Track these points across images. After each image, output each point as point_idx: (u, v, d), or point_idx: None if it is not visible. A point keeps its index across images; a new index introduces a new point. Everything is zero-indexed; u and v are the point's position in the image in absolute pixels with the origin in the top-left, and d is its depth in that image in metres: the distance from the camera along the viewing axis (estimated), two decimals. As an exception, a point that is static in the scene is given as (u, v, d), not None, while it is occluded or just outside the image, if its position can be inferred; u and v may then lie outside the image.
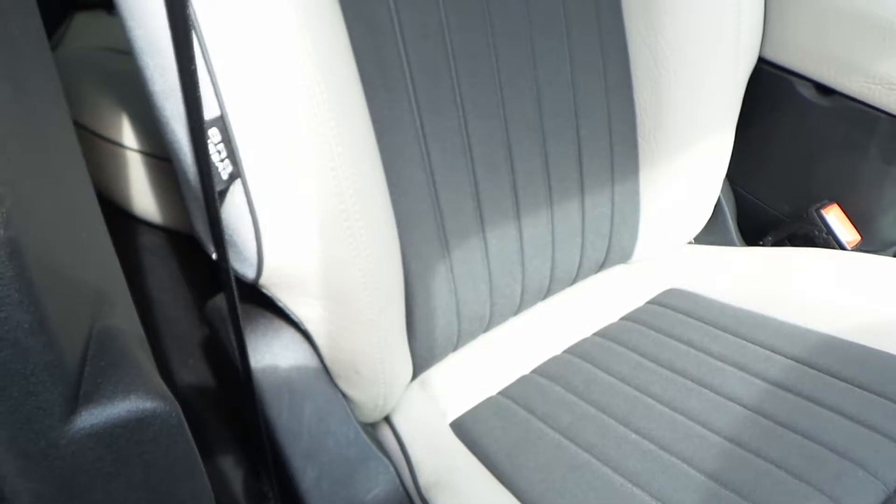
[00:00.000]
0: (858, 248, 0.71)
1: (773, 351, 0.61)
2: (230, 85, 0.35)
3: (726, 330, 0.65)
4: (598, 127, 0.66)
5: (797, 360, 0.60)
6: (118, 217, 0.81)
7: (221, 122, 0.35)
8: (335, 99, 0.40)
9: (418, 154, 0.53)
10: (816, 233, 0.71)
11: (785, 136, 0.74)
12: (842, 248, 0.71)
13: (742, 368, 0.60)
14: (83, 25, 1.03)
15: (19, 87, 0.30)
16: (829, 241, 0.71)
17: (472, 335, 0.64)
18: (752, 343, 0.63)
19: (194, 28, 0.34)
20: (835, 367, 0.58)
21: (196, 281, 0.83)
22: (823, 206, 0.71)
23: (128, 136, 0.76)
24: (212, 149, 0.35)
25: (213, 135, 0.35)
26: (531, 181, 0.62)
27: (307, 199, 0.39)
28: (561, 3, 0.61)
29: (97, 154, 0.77)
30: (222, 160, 0.35)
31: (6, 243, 0.23)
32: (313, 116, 0.38)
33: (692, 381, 0.59)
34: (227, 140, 0.35)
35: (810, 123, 0.71)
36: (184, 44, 0.31)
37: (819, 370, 0.58)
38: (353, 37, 0.47)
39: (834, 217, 0.70)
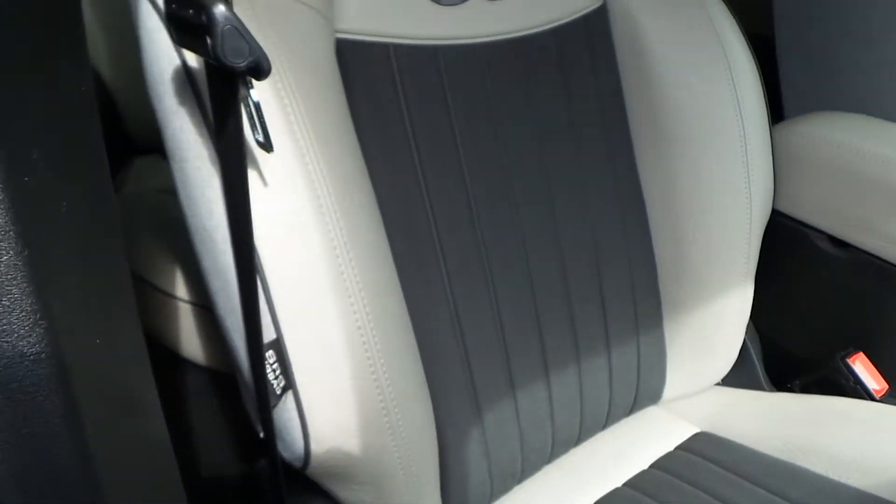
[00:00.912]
0: (887, 395, 0.72)
1: (806, 509, 0.61)
2: (287, 312, 0.40)
3: (758, 483, 0.65)
4: (620, 282, 0.70)
5: (831, 521, 0.59)
6: (166, 356, 0.86)
7: (277, 345, 0.39)
8: (378, 310, 0.44)
9: (451, 330, 0.56)
10: (843, 381, 0.72)
11: (805, 285, 0.76)
12: (870, 396, 0.72)
13: (776, 529, 0.60)
14: (144, 169, 1.12)
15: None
16: (857, 389, 0.72)
17: (505, 490, 0.65)
18: (785, 500, 0.63)
19: (258, 268, 0.39)
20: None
21: (238, 418, 0.86)
22: (849, 354, 0.72)
23: (180, 287, 0.82)
24: (268, 368, 0.39)
25: (270, 356, 0.39)
26: (558, 340, 0.65)
27: (352, 402, 0.43)
28: (579, 171, 0.66)
29: (150, 302, 0.83)
30: (276, 377, 0.39)
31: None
32: (358, 331, 0.43)
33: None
34: (282, 360, 0.40)
35: (828, 274, 0.74)
36: (247, 276, 0.35)
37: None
38: (389, 230, 0.53)
39: (860, 366, 0.71)
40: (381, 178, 0.54)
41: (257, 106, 0.37)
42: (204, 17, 0.33)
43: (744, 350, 0.82)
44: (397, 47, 0.54)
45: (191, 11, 0.34)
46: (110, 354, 0.34)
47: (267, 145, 0.38)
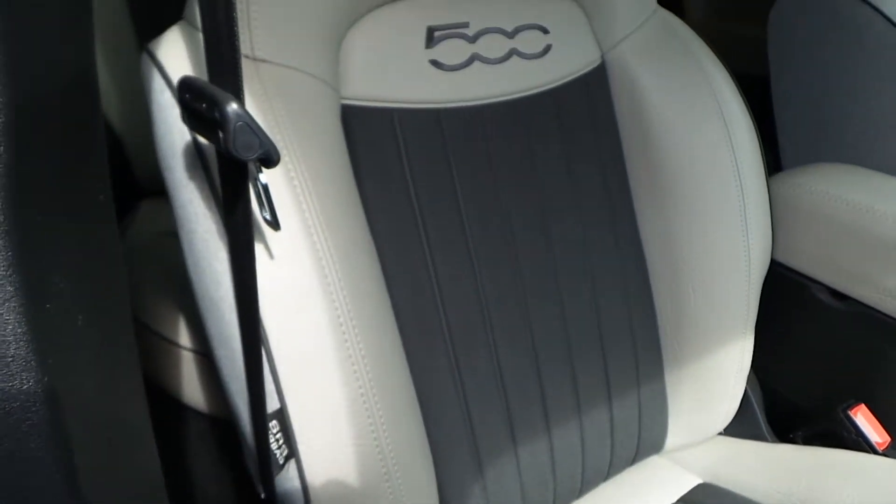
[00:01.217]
0: (889, 448, 0.72)
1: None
2: (291, 383, 0.41)
3: (761, 539, 0.65)
4: (620, 334, 0.70)
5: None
6: (167, 402, 0.86)
7: (281, 415, 0.40)
8: (381, 377, 0.45)
9: (453, 392, 0.57)
10: (845, 434, 0.72)
11: (806, 336, 0.77)
12: (872, 449, 0.71)
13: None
14: (149, 212, 1.13)
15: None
16: (859, 442, 0.72)
17: None
18: (789, 557, 0.63)
19: (263, 340, 0.40)
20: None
21: (238, 466, 0.86)
22: (850, 406, 0.72)
23: (183, 335, 0.83)
24: (271, 437, 0.39)
25: (273, 426, 0.39)
26: (560, 393, 0.65)
27: (354, 469, 0.43)
28: (580, 227, 0.67)
29: (152, 348, 0.83)
30: (279, 447, 0.40)
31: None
32: (361, 398, 0.43)
33: None
34: (285, 429, 0.40)
35: (829, 325, 0.74)
36: (252, 347, 0.36)
37: None
38: (392, 291, 0.53)
39: (862, 418, 0.71)
40: (384, 239, 0.55)
41: (265, 188, 0.38)
42: (217, 114, 0.34)
43: (745, 400, 0.82)
44: (401, 112, 0.56)
45: (204, 105, 0.35)
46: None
47: (274, 224, 0.39)
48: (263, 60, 0.47)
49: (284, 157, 0.45)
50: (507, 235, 0.62)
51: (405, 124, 0.56)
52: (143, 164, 1.15)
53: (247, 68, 0.47)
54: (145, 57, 0.50)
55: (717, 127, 0.70)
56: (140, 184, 1.15)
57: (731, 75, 0.74)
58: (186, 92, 0.37)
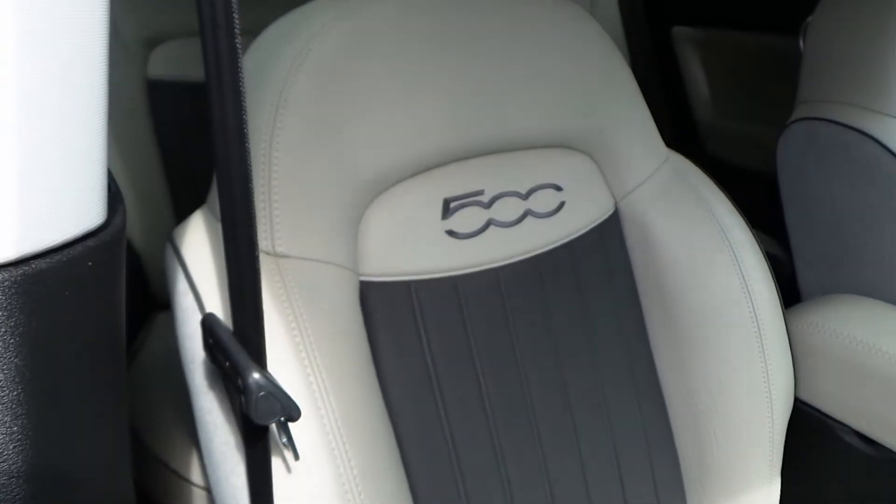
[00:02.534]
0: None
1: None
2: None
3: None
4: (642, 481, 0.69)
5: None
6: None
7: None
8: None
9: None
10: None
11: (834, 481, 0.74)
12: None
13: None
14: (164, 326, 1.14)
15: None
16: None
17: None
18: None
19: None
20: None
21: None
22: (886, 558, 0.69)
23: (195, 472, 0.81)
24: None
25: None
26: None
27: None
28: (597, 376, 0.66)
29: (165, 483, 0.82)
30: None
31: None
32: None
33: None
34: None
35: (858, 471, 0.72)
36: None
37: None
38: (410, 469, 0.52)
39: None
40: (400, 406, 0.54)
41: (285, 426, 0.38)
42: (239, 381, 0.35)
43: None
44: (417, 283, 0.56)
45: (227, 363, 0.36)
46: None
47: (294, 454, 0.39)
48: (284, 256, 0.48)
49: (304, 359, 0.45)
50: (525, 397, 0.61)
51: (422, 294, 0.56)
52: (159, 277, 1.17)
53: (268, 265, 0.48)
54: (168, 247, 0.51)
55: (731, 271, 0.70)
56: (155, 297, 1.16)
57: (741, 215, 0.74)
58: (210, 336, 0.38)
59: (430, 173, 0.57)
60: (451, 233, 0.58)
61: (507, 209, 0.61)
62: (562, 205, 0.65)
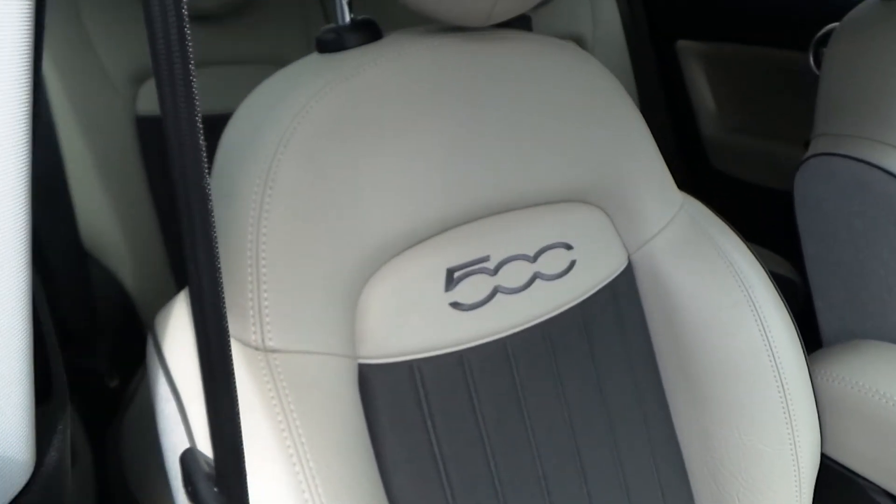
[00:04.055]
0: None
1: None
2: None
3: None
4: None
5: None
6: None
7: None
8: None
9: None
10: None
11: (864, 543, 0.71)
12: None
13: None
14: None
15: None
16: None
17: None
18: None
19: None
20: None
21: None
22: None
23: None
24: None
25: None
26: None
27: None
28: (613, 443, 0.63)
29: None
30: None
31: None
32: None
33: None
34: None
35: (889, 533, 0.68)
36: None
37: None
38: None
39: None
40: (405, 494, 0.51)
41: None
42: None
43: None
44: (420, 362, 0.52)
45: None
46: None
47: None
48: (274, 350, 0.44)
49: (295, 465, 0.41)
50: (537, 472, 0.58)
51: (425, 373, 0.53)
52: (151, 318, 1.13)
53: (257, 362, 0.44)
54: (149, 339, 0.47)
55: (751, 325, 0.66)
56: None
57: (758, 259, 0.70)
58: (188, 483, 0.34)
59: (432, 241, 0.54)
60: (455, 304, 0.54)
61: (515, 274, 0.57)
62: (572, 264, 0.61)
